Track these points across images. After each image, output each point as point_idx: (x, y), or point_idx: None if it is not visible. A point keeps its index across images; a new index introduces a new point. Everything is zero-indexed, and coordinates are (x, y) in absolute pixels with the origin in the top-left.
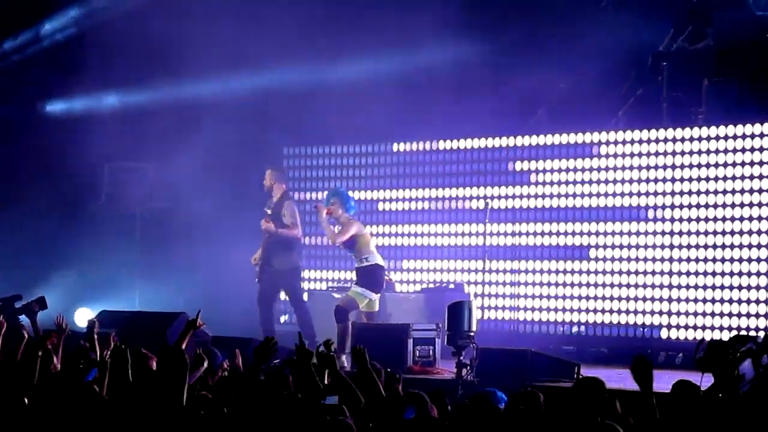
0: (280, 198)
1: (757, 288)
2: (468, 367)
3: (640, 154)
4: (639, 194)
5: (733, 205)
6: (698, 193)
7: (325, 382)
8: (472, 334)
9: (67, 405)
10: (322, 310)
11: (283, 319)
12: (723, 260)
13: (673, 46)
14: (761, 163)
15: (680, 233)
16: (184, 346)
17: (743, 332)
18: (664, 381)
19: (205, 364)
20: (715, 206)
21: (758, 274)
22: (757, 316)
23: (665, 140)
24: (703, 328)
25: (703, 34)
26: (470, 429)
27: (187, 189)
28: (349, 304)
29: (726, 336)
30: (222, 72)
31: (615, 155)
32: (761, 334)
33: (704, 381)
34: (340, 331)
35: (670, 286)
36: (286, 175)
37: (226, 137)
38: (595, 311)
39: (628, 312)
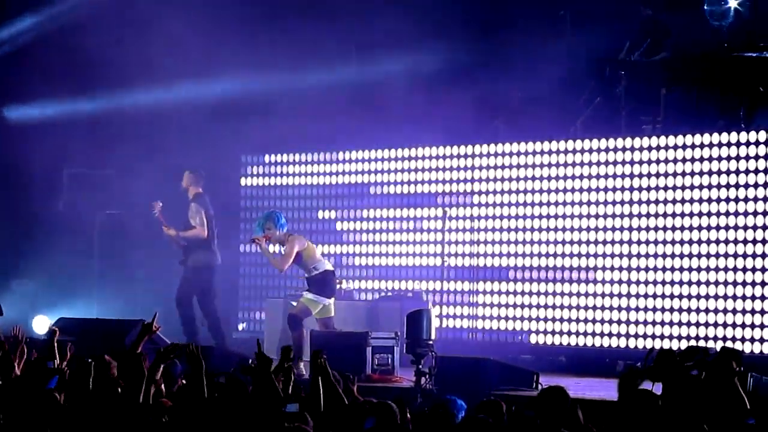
0: (192, 199)
1: (716, 297)
2: (427, 376)
3: (598, 163)
4: (597, 203)
5: (691, 215)
6: (656, 202)
7: (288, 391)
8: (431, 342)
9: (27, 411)
10: (279, 317)
11: (240, 326)
12: (681, 269)
13: (630, 57)
14: (719, 172)
15: (638, 242)
16: (139, 350)
17: (696, 343)
18: None
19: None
20: (673, 215)
21: (716, 283)
22: (716, 325)
23: (623, 149)
24: (662, 337)
25: (662, 46)
26: None
27: (146, 196)
28: (303, 311)
29: (683, 345)
30: (182, 80)
31: (573, 164)
32: (717, 345)
33: (656, 390)
34: (295, 339)
35: (629, 295)
36: (202, 178)
37: (185, 145)
38: (552, 320)
39: (586, 321)
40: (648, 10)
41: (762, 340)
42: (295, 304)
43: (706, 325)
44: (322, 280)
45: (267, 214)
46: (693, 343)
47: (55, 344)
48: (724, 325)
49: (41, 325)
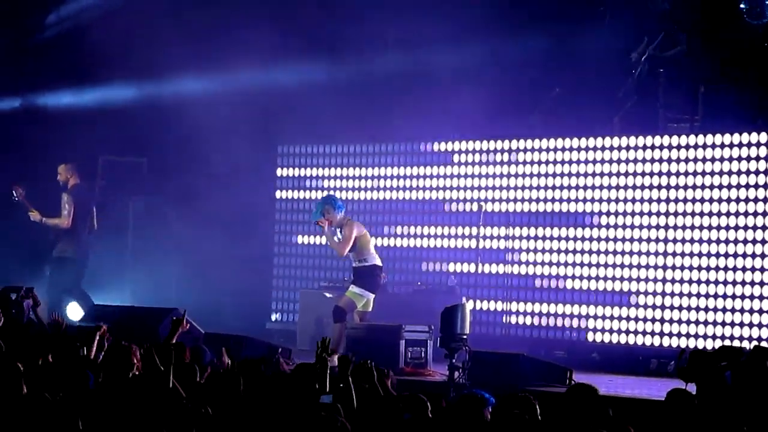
0: (67, 190)
1: (751, 297)
2: (460, 370)
3: (635, 160)
4: (634, 200)
5: (728, 214)
6: (693, 200)
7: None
8: (464, 337)
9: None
10: (313, 308)
11: (274, 317)
12: (717, 268)
13: (646, 52)
14: (756, 172)
15: (674, 240)
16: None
17: (730, 342)
18: (656, 389)
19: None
20: (710, 214)
21: (752, 283)
22: (750, 325)
23: (660, 147)
24: (696, 336)
25: (676, 41)
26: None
27: (181, 184)
28: (348, 305)
29: (717, 344)
30: (218, 69)
31: (610, 161)
32: (748, 345)
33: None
34: (336, 331)
35: (664, 293)
36: (78, 168)
37: (220, 133)
38: (587, 317)
39: (620, 318)
40: (665, 4)
41: None
42: (329, 295)
43: (741, 324)
44: (369, 273)
45: (324, 198)
46: (726, 342)
47: (97, 337)
48: (759, 325)
49: (75, 311)
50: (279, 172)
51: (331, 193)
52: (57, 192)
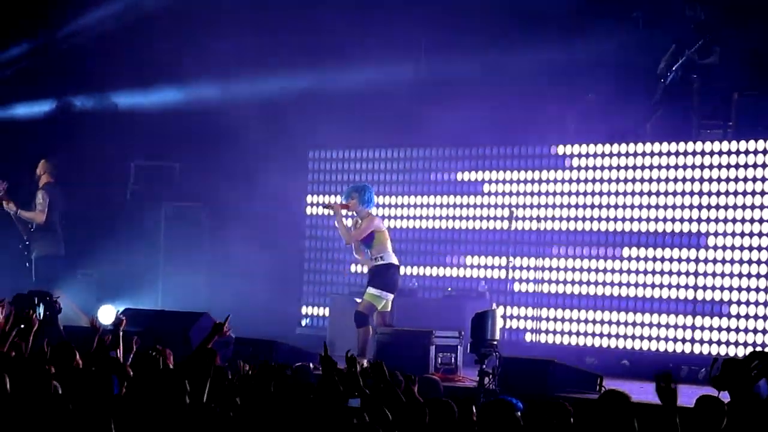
0: (41, 187)
1: None
2: (490, 376)
3: (668, 167)
4: (666, 207)
5: (761, 221)
6: (726, 207)
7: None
8: (495, 342)
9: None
10: (343, 313)
11: (304, 322)
12: (749, 275)
13: (677, 60)
14: None
15: (706, 247)
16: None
17: (760, 348)
18: (687, 396)
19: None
20: (743, 221)
21: None
22: None
23: (693, 153)
24: (727, 343)
25: (711, 50)
26: None
27: (212, 189)
28: (368, 308)
29: (748, 351)
30: (249, 74)
31: (642, 167)
32: None
33: (723, 398)
34: (361, 336)
35: (695, 301)
36: (56, 168)
37: (252, 139)
38: (618, 323)
39: (651, 325)
40: (702, 13)
41: None
42: (359, 300)
43: None
44: (385, 272)
45: (358, 185)
46: (758, 349)
47: (121, 333)
48: None
49: (107, 315)
50: (310, 177)
51: (370, 185)
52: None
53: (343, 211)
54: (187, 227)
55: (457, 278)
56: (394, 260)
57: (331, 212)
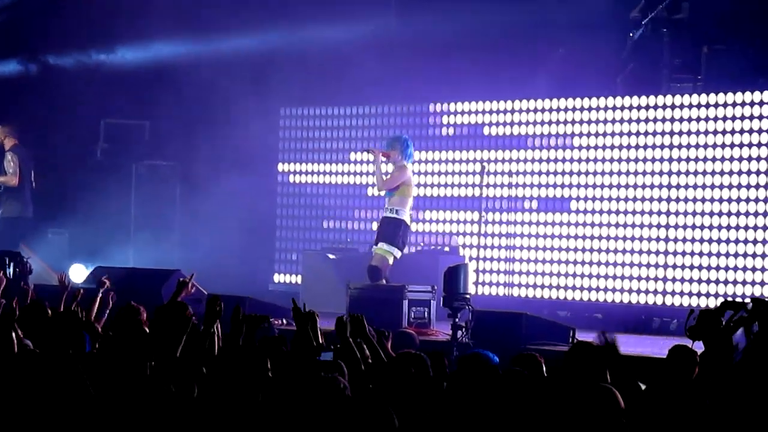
0: (8, 149)
1: (753, 256)
2: (463, 329)
3: (638, 120)
4: (636, 160)
5: (730, 173)
6: (695, 159)
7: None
8: (467, 296)
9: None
10: (315, 269)
11: (276, 278)
12: (720, 227)
13: (647, 14)
14: (760, 131)
15: (677, 200)
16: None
17: (731, 299)
18: (659, 347)
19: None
20: (713, 173)
21: (754, 241)
22: (753, 283)
23: (663, 107)
24: (698, 294)
25: (680, 5)
26: (466, 389)
27: (183, 147)
28: (381, 262)
29: (717, 303)
30: (219, 32)
31: (613, 121)
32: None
33: (696, 348)
34: None
35: (666, 252)
36: (17, 130)
37: (223, 96)
38: (590, 276)
39: (623, 278)
40: None
41: None
42: (331, 256)
43: (744, 283)
44: (396, 227)
45: (402, 137)
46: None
47: (99, 294)
48: (762, 283)
49: (78, 273)
50: (281, 134)
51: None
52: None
53: (382, 159)
54: (159, 185)
55: (429, 233)
56: (408, 219)
57: (371, 157)
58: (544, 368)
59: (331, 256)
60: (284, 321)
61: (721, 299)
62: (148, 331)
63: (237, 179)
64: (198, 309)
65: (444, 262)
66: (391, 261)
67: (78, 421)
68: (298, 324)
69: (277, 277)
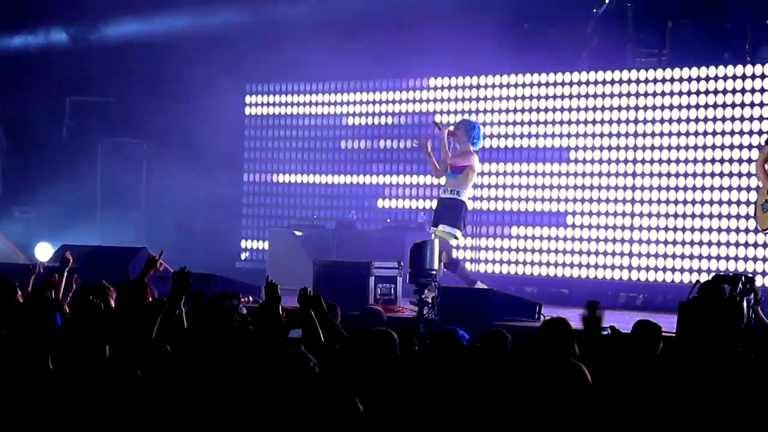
0: None
1: (718, 230)
2: (429, 306)
3: (603, 95)
4: (602, 135)
5: (695, 147)
6: (660, 134)
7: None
8: (434, 272)
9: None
10: (283, 247)
11: (243, 256)
12: (685, 202)
13: None
14: (724, 105)
15: (642, 174)
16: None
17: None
18: (625, 322)
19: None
20: (678, 148)
21: (719, 216)
22: (718, 258)
23: (629, 81)
24: (664, 269)
25: None
26: (435, 366)
27: (150, 124)
28: (442, 244)
29: (685, 278)
30: (184, 8)
31: (578, 96)
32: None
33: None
34: (461, 273)
35: (632, 228)
36: None
37: (188, 72)
38: (556, 252)
39: (589, 253)
40: None
41: (764, 273)
42: (298, 233)
43: (709, 258)
44: (456, 207)
45: (471, 121)
46: (695, 276)
47: (65, 273)
48: (727, 258)
49: (44, 252)
50: (247, 110)
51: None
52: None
53: (446, 135)
54: (125, 162)
55: (396, 209)
56: (467, 200)
57: (438, 129)
58: (510, 344)
59: (298, 233)
60: (251, 298)
61: (687, 274)
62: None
63: (203, 156)
64: (165, 288)
65: (411, 238)
66: (453, 243)
67: (36, 396)
68: (269, 300)
69: (244, 255)
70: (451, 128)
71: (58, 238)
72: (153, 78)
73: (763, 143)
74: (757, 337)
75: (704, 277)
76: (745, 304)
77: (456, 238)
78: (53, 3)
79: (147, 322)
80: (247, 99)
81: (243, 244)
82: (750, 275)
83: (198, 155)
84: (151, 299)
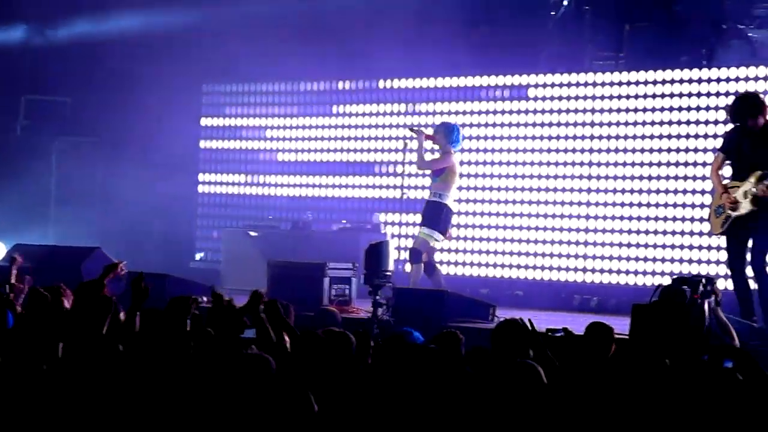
0: None
1: (673, 233)
2: (384, 307)
3: (560, 98)
4: (558, 137)
5: (651, 150)
6: (617, 137)
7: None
8: (389, 274)
9: None
10: (237, 247)
11: (198, 256)
12: (640, 205)
13: None
14: (680, 109)
15: (597, 177)
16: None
17: (652, 278)
18: (579, 324)
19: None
20: (633, 151)
21: (674, 219)
22: (672, 261)
23: (585, 84)
24: (618, 272)
25: None
26: (388, 367)
27: (105, 123)
28: (422, 245)
29: (639, 281)
30: (140, 6)
31: (535, 98)
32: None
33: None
34: (413, 273)
35: (587, 230)
36: None
37: (145, 72)
38: (510, 254)
39: (543, 255)
40: None
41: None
42: (253, 234)
43: (663, 260)
44: (438, 211)
45: (450, 124)
46: (649, 278)
47: (14, 272)
48: (681, 261)
49: None
50: (203, 110)
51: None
52: None
53: (425, 140)
54: (79, 162)
55: (352, 210)
56: (452, 204)
57: (414, 135)
58: (464, 346)
59: (252, 234)
60: (205, 299)
61: (641, 276)
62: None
63: (158, 155)
64: (119, 288)
65: (365, 239)
66: (433, 245)
67: None
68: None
69: (198, 255)
70: (429, 132)
71: (11, 237)
72: (109, 77)
73: (717, 148)
74: (719, 339)
75: (659, 280)
76: (706, 306)
77: (437, 240)
78: (8, 1)
79: (96, 321)
80: (204, 98)
81: (198, 244)
82: (711, 277)
83: (153, 155)
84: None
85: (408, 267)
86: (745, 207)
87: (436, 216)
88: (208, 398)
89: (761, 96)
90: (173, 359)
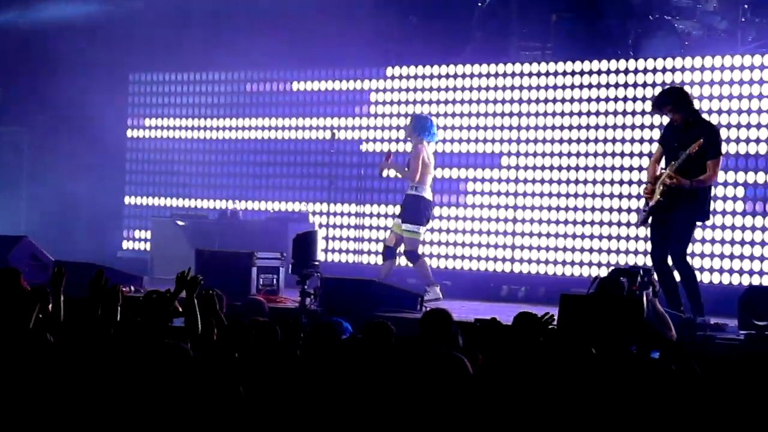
0: None
1: (600, 224)
2: (312, 296)
3: (487, 88)
4: (486, 128)
5: (578, 141)
6: (543, 127)
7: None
8: (317, 263)
9: None
10: (165, 236)
11: (125, 245)
12: (567, 195)
13: None
14: (607, 99)
15: (525, 167)
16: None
17: (580, 269)
18: (506, 314)
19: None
20: (561, 141)
21: (602, 209)
22: (600, 251)
23: (512, 74)
24: (546, 262)
25: None
26: (315, 358)
27: (32, 113)
28: (412, 243)
29: (567, 271)
30: None
31: (462, 89)
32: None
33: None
34: (420, 269)
35: (514, 220)
36: None
37: (71, 61)
38: (439, 244)
39: (471, 245)
40: None
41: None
42: (181, 223)
43: (591, 250)
44: (416, 204)
45: (418, 114)
46: (577, 269)
47: None
48: (609, 251)
49: None
50: (131, 99)
51: (430, 117)
52: None
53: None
54: (5, 150)
55: (280, 201)
56: (428, 195)
57: (385, 165)
58: (394, 336)
59: (181, 223)
60: (132, 288)
61: (569, 267)
62: None
63: (85, 144)
64: (43, 277)
65: (293, 228)
66: (420, 238)
67: None
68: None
69: (126, 244)
70: (390, 148)
71: None
72: (36, 66)
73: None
74: (656, 329)
75: (587, 271)
76: (644, 297)
77: (419, 233)
78: None
79: (24, 313)
80: (131, 87)
81: (125, 233)
82: (648, 268)
83: (81, 144)
84: (29, 289)
85: (402, 261)
86: (655, 197)
87: (417, 210)
88: (127, 387)
89: (685, 90)
90: (95, 349)
